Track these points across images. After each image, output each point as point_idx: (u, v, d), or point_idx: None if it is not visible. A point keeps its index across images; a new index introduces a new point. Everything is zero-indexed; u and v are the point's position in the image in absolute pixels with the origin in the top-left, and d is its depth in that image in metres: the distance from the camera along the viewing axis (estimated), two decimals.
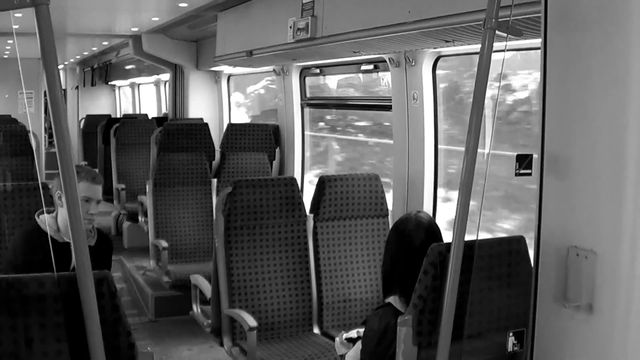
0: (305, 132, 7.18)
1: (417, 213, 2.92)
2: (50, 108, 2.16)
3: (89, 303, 2.21)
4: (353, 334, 3.29)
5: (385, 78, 5.74)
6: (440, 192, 5.08)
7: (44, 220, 3.69)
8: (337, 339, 3.36)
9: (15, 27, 8.14)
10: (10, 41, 8.30)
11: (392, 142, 5.29)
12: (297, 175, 7.06)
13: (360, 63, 5.77)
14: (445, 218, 5.06)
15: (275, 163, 7.38)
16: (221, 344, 4.54)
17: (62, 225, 3.68)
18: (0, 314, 2.21)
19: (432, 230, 2.86)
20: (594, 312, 2.24)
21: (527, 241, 2.67)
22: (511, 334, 2.52)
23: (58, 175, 3.62)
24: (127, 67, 13.16)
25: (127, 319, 2.42)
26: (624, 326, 2.19)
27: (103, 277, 2.31)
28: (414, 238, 2.81)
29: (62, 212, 3.67)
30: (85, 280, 2.20)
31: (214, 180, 7.08)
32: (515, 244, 2.65)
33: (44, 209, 3.77)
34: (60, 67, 16.25)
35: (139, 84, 14.56)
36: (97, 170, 9.72)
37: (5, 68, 11.54)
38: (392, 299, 2.80)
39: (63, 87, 17.09)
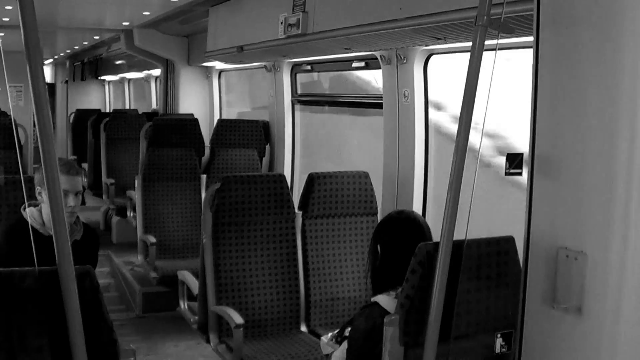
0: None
1: (406, 211, 2.90)
2: (33, 101, 2.11)
3: (70, 298, 2.17)
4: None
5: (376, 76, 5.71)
6: None
7: (30, 213, 3.66)
8: (322, 338, 3.32)
9: (5, 19, 8.09)
10: (1, 34, 8.23)
11: None
12: (287, 172, 7.02)
13: (351, 60, 5.74)
14: None
15: (265, 160, 7.34)
16: (207, 341, 4.52)
17: (47, 219, 3.67)
18: None
19: (421, 228, 2.84)
20: (583, 314, 2.22)
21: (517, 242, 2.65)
22: (499, 335, 2.49)
23: (38, 170, 3.57)
24: (118, 62, 13.09)
25: (115, 314, 2.39)
26: (613, 328, 2.17)
27: (85, 272, 2.27)
28: (402, 235, 2.78)
29: (45, 206, 3.66)
30: (66, 275, 2.16)
31: (204, 176, 7.04)
32: (504, 244, 2.62)
33: (27, 202, 3.74)
34: (49, 61, 16.18)
35: (129, 79, 14.49)
36: (86, 164, 9.76)
37: None
38: (379, 298, 2.77)
39: (52, 82, 17.00)
